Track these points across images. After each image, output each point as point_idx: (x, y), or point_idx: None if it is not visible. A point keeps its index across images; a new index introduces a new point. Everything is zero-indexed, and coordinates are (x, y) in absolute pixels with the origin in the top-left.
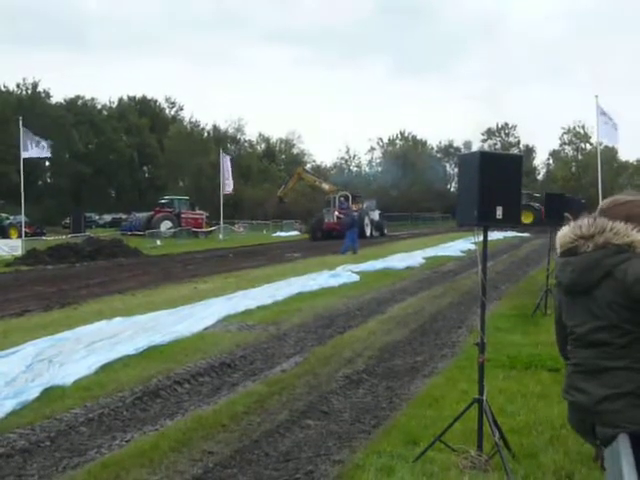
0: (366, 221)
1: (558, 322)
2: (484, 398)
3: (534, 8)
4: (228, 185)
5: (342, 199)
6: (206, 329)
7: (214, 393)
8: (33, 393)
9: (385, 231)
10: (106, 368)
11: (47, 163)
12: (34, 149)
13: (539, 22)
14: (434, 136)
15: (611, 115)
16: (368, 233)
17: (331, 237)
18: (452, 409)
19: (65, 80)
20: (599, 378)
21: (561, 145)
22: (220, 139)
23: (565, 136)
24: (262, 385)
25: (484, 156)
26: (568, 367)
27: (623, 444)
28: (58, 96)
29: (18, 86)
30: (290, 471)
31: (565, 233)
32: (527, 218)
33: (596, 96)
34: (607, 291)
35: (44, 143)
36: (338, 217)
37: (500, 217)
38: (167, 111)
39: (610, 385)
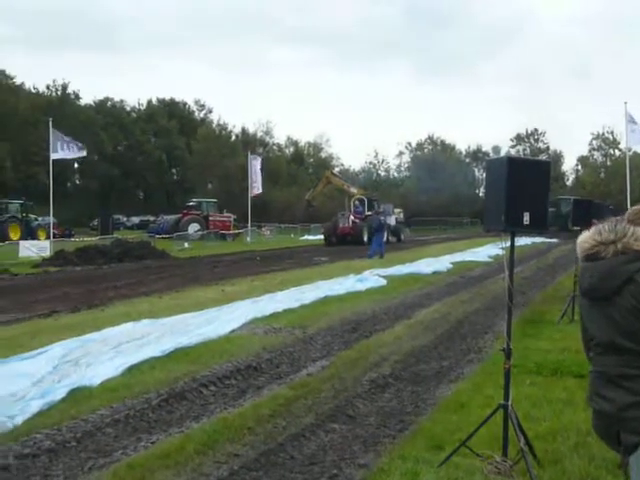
0: None
1: (582, 326)
2: (509, 404)
3: (564, 11)
4: (256, 187)
5: (357, 203)
6: (233, 332)
7: (240, 396)
8: (60, 394)
9: (402, 237)
10: (132, 370)
11: (76, 165)
12: (64, 150)
13: (570, 25)
14: (463, 140)
15: (638, 120)
16: (384, 239)
17: (345, 242)
18: (477, 414)
19: (95, 82)
20: (623, 385)
21: (590, 151)
22: (248, 142)
23: (594, 142)
24: (288, 388)
25: (511, 161)
26: (591, 374)
27: None
28: (87, 98)
29: (48, 87)
30: (315, 474)
31: (585, 238)
32: None
33: (625, 102)
34: (629, 297)
35: (76, 144)
36: (353, 222)
37: (527, 223)
38: (196, 114)
39: (634, 392)
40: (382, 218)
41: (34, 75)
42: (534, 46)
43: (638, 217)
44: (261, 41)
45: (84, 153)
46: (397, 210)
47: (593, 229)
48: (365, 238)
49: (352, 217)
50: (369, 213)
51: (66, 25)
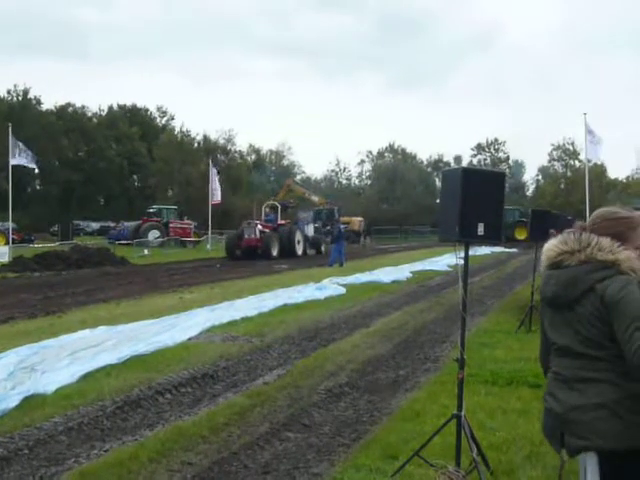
0: (297, 237)
1: (542, 334)
2: (463, 414)
3: (527, 25)
4: (216, 196)
5: (267, 210)
6: (190, 339)
7: (195, 404)
8: (13, 401)
9: (322, 248)
10: (88, 377)
11: (36, 170)
12: (22, 156)
13: (532, 38)
14: (426, 150)
15: (596, 131)
16: (300, 251)
17: (254, 256)
18: (432, 424)
19: (56, 88)
20: (575, 388)
21: (550, 161)
22: (210, 149)
23: (554, 152)
24: (243, 397)
25: (466, 172)
26: (549, 375)
27: (590, 462)
28: (49, 103)
29: (9, 92)
30: None
31: (551, 246)
32: (521, 234)
33: (584, 114)
34: (588, 306)
35: (29, 153)
36: (262, 232)
37: (482, 233)
38: (158, 120)
39: (584, 396)
40: (342, 226)
41: None
42: (498, 58)
43: (597, 221)
44: (225, 50)
45: (34, 165)
46: (358, 219)
47: (559, 237)
48: (275, 252)
49: (260, 227)
50: (282, 222)
51: (27, 30)
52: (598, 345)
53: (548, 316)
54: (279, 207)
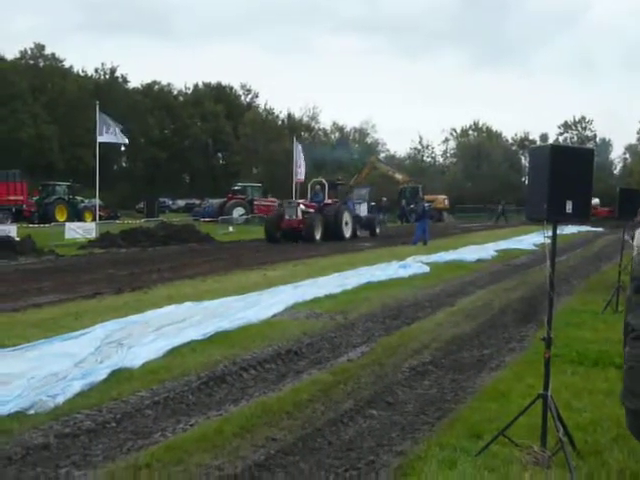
0: (345, 218)
1: (625, 320)
2: (549, 394)
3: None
4: (300, 173)
5: (318, 187)
6: (274, 316)
7: (279, 380)
8: (101, 375)
9: (377, 230)
10: (174, 352)
11: (122, 148)
12: (110, 134)
13: (620, 14)
14: (510, 128)
15: None
16: (348, 234)
17: (296, 238)
18: (517, 404)
19: (143, 66)
20: None
21: (639, 139)
22: (294, 127)
23: None
24: (327, 374)
25: (555, 149)
26: (627, 370)
27: None
28: (135, 81)
29: (96, 71)
30: (352, 460)
31: None
32: None
33: None
34: None
35: (119, 130)
36: (304, 212)
37: (570, 211)
38: (242, 98)
39: None
40: (426, 205)
41: (83, 58)
42: (586, 35)
43: None
44: (309, 27)
45: (125, 140)
46: (442, 197)
47: None
48: (318, 234)
49: (302, 207)
50: (328, 201)
51: (115, 9)
52: None
53: (633, 301)
54: (326, 185)
